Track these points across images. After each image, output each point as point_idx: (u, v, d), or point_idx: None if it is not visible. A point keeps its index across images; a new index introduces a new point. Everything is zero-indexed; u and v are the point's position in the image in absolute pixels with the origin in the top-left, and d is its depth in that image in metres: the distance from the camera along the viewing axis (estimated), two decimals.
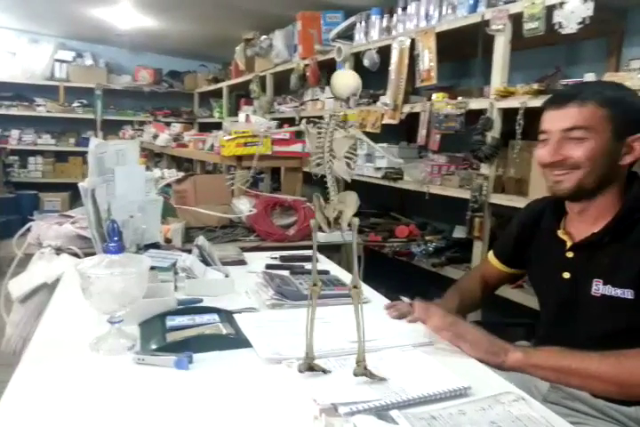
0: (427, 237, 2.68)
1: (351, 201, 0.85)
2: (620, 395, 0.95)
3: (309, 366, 0.85)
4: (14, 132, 5.70)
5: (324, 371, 0.85)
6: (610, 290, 1.01)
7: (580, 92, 1.04)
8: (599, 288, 1.03)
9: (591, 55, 2.34)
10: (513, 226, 1.29)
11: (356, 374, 0.84)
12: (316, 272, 0.85)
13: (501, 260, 1.31)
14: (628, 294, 0.99)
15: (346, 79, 0.82)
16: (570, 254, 1.10)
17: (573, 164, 1.03)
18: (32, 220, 1.82)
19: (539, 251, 1.19)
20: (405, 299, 1.22)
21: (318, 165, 0.84)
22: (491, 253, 1.35)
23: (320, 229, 0.91)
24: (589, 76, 1.83)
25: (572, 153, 1.03)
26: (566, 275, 1.10)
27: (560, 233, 1.12)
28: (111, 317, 0.93)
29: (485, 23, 2.13)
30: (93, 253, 1.30)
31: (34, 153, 5.77)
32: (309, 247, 1.78)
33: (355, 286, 0.85)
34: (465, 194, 2.25)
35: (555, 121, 1.05)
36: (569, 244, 1.10)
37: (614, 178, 1.04)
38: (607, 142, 1.01)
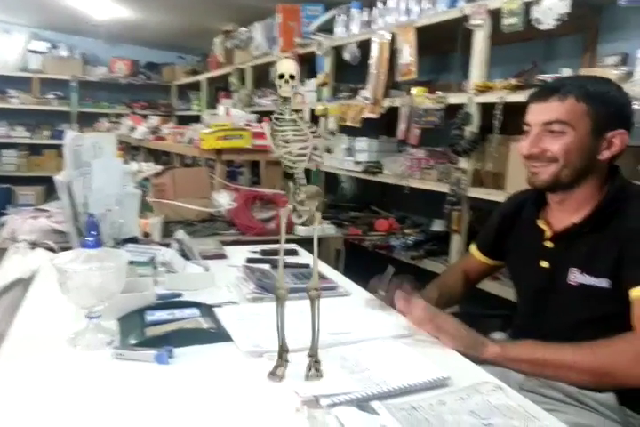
0: (406, 231, 2.71)
1: (317, 196, 0.86)
2: (594, 384, 0.98)
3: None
4: None
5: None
6: (586, 279, 1.03)
7: (563, 86, 1.05)
8: (576, 277, 1.05)
9: (567, 51, 2.37)
10: (494, 217, 1.31)
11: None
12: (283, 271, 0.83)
13: (483, 251, 1.33)
14: (603, 282, 1.01)
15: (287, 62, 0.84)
16: (548, 244, 1.12)
17: (550, 157, 1.05)
18: (6, 214, 1.78)
19: (518, 240, 1.21)
20: (390, 269, 1.23)
21: (301, 156, 0.83)
22: (473, 246, 1.36)
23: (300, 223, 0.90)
24: (566, 72, 1.86)
25: (549, 146, 1.04)
26: (544, 264, 1.11)
27: (540, 223, 1.14)
28: (89, 312, 0.92)
29: (465, 18, 2.14)
30: (69, 248, 1.27)
31: (7, 146, 5.63)
32: (290, 241, 1.79)
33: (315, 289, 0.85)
34: (443, 188, 2.27)
35: (536, 114, 1.06)
36: (548, 233, 1.12)
37: (593, 171, 1.06)
38: (586, 137, 1.03)
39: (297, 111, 0.84)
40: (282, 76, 0.81)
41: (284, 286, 0.84)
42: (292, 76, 0.81)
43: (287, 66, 0.82)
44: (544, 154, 1.05)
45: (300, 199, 0.84)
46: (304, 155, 0.83)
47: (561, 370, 0.96)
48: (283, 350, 0.84)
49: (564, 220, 1.10)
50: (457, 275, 1.37)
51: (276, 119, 0.83)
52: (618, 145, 1.04)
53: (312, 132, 0.83)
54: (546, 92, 1.06)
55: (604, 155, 1.04)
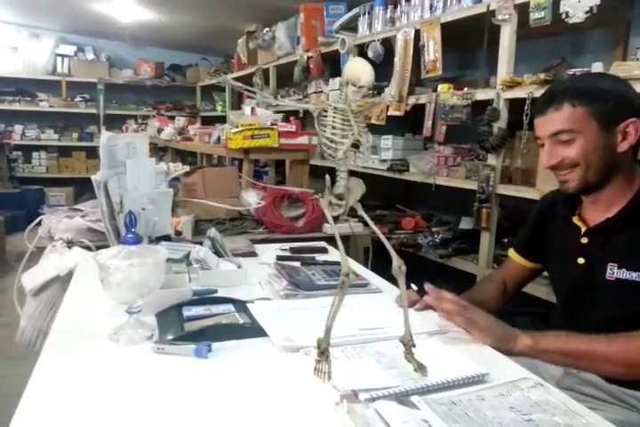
0: (433, 229, 2.68)
1: (356, 187, 0.86)
2: (628, 376, 0.97)
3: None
4: (17, 128, 5.71)
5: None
6: (624, 274, 1.02)
7: (554, 96, 1.05)
8: (613, 272, 1.04)
9: (597, 45, 2.33)
10: (530, 218, 1.31)
11: (408, 360, 0.84)
12: (346, 261, 0.82)
13: (521, 253, 1.31)
14: None
15: (365, 66, 0.82)
16: (584, 240, 1.11)
17: (571, 163, 1.05)
18: (41, 213, 1.83)
19: (554, 239, 1.20)
20: (414, 287, 1.22)
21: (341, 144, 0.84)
22: (511, 250, 1.35)
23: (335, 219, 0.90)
24: (597, 66, 1.83)
25: (566, 154, 1.05)
26: (581, 260, 1.11)
27: (575, 219, 1.14)
28: (129, 307, 0.94)
29: (491, 13, 2.12)
30: (105, 246, 1.30)
31: (37, 148, 5.79)
32: (318, 239, 1.80)
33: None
34: (472, 185, 2.25)
35: (541, 128, 1.08)
36: (583, 229, 1.11)
37: (619, 166, 1.05)
38: (597, 137, 1.02)
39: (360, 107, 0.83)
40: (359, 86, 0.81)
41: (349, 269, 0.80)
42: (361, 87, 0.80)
43: (368, 77, 0.80)
44: (564, 162, 1.06)
45: (337, 192, 0.84)
46: (344, 143, 0.82)
47: (594, 362, 0.95)
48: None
49: (599, 216, 1.09)
50: (493, 283, 1.34)
51: (330, 106, 0.83)
52: (633, 133, 1.03)
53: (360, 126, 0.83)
54: (542, 105, 1.07)
55: (623, 146, 1.03)
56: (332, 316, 0.80)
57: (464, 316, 1.00)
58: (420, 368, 0.82)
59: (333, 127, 0.84)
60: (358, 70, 0.82)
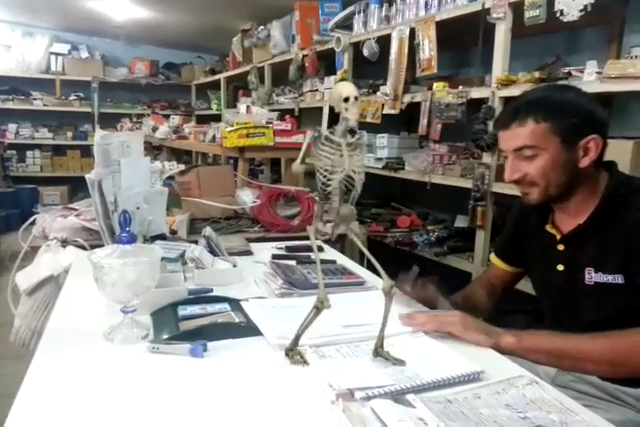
0: (428, 227, 2.69)
1: (349, 214, 0.88)
2: (612, 374, 0.98)
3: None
4: (11, 127, 5.67)
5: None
6: (601, 277, 1.03)
7: (518, 110, 1.05)
8: (592, 276, 1.05)
9: (591, 43, 2.34)
10: (508, 224, 1.33)
11: (375, 355, 0.87)
12: (323, 288, 0.88)
13: (501, 258, 1.33)
14: (618, 279, 1.01)
15: (345, 84, 0.86)
16: (561, 247, 1.12)
17: (531, 180, 1.06)
18: (36, 213, 1.82)
19: (532, 247, 1.21)
20: (415, 269, 1.22)
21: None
22: (493, 255, 1.36)
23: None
24: (591, 64, 1.83)
25: (527, 170, 1.05)
26: (560, 267, 1.12)
27: (548, 228, 1.15)
28: (124, 306, 0.94)
29: (486, 11, 2.12)
30: (99, 245, 1.29)
31: (31, 147, 5.75)
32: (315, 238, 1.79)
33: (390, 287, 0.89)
34: (467, 183, 2.25)
35: (505, 142, 1.08)
36: (558, 237, 1.13)
37: (581, 179, 1.06)
38: (559, 153, 1.03)
39: (352, 133, 0.83)
40: (347, 100, 0.82)
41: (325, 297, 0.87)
42: (356, 98, 0.82)
43: (349, 89, 0.82)
44: (525, 178, 1.07)
45: (327, 219, 0.85)
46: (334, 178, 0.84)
47: (577, 361, 0.96)
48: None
49: (570, 222, 1.10)
50: (482, 285, 1.36)
51: (326, 138, 0.84)
52: (594, 149, 1.03)
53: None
54: (506, 119, 1.07)
55: (585, 162, 1.04)
56: (304, 328, 0.87)
57: (437, 320, 1.00)
58: (398, 362, 0.86)
59: (326, 158, 0.85)
60: (340, 88, 0.85)
